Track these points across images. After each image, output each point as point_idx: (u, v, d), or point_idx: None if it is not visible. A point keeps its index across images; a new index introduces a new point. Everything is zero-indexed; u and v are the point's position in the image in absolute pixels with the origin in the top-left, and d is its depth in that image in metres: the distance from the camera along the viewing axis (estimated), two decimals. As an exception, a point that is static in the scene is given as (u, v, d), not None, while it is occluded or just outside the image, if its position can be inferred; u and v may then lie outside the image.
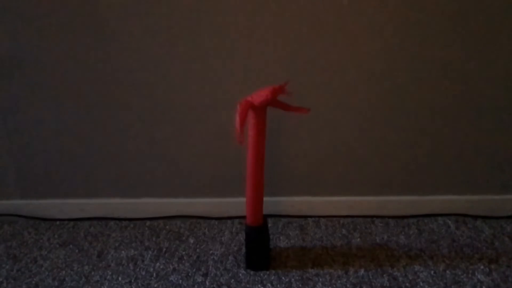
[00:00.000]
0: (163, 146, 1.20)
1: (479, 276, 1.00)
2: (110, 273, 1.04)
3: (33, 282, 1.02)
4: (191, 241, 1.16)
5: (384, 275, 1.01)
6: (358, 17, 1.06)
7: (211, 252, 1.11)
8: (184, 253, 1.11)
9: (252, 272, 1.03)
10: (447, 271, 1.01)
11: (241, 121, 0.90)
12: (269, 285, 0.99)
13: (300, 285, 0.98)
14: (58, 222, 1.27)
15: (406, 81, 1.11)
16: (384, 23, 1.06)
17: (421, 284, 0.98)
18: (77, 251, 1.13)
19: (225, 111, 1.15)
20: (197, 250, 1.12)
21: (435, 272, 1.01)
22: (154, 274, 1.03)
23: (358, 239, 1.15)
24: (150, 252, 1.12)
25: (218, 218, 1.26)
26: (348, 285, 0.98)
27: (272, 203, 1.20)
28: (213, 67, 1.11)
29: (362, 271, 1.02)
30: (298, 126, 1.17)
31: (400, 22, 1.06)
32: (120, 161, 1.22)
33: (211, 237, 1.18)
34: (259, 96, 0.90)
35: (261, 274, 1.02)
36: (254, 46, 1.09)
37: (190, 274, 1.03)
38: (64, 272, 1.05)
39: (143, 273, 1.04)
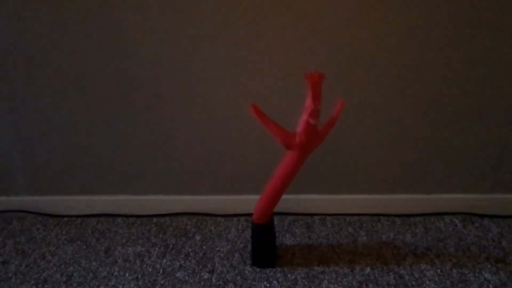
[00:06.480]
0: (170, 143, 1.20)
1: (486, 275, 0.99)
2: (117, 269, 1.05)
3: (42, 277, 1.03)
4: (198, 238, 1.17)
5: (390, 273, 1.00)
6: (362, 17, 1.05)
7: (217, 249, 1.12)
8: (190, 250, 1.12)
9: (258, 269, 1.03)
10: (454, 270, 1.01)
11: (317, 96, 0.86)
12: (275, 282, 0.99)
13: (306, 283, 0.98)
14: (66, 219, 1.28)
15: (412, 79, 1.11)
16: (387, 24, 1.05)
17: (428, 282, 0.97)
18: (84, 247, 1.14)
19: (231, 108, 1.15)
20: (204, 247, 1.13)
21: (441, 271, 1.01)
22: (161, 270, 1.04)
23: (364, 237, 1.15)
24: (156, 249, 1.12)
25: (225, 215, 1.27)
26: (354, 283, 0.98)
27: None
28: (217, 67, 1.11)
29: (368, 269, 1.02)
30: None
31: (404, 23, 1.05)
32: (127, 159, 1.23)
33: (218, 234, 1.18)
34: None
35: (267, 271, 1.02)
36: (261, 44, 1.09)
37: (196, 271, 1.03)
38: (72, 267, 1.06)
39: (150, 269, 1.05)
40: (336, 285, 0.97)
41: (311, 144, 0.93)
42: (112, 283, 1.00)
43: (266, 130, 0.92)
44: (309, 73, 0.87)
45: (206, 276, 1.02)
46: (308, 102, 0.88)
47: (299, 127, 0.91)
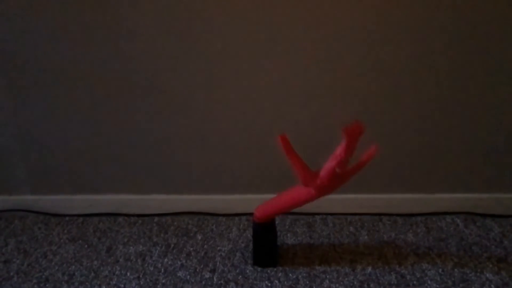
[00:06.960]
0: (171, 143, 1.20)
1: (487, 275, 0.99)
2: (118, 268, 1.05)
3: (43, 276, 1.03)
4: (199, 237, 1.17)
5: (392, 273, 1.00)
6: (364, 16, 1.05)
7: (218, 248, 1.12)
8: (192, 249, 1.12)
9: (259, 269, 1.03)
10: (455, 270, 1.01)
11: (352, 149, 0.80)
12: (276, 281, 0.99)
13: (307, 282, 0.98)
14: (67, 218, 1.28)
15: (412, 79, 1.10)
16: (389, 24, 1.05)
17: (429, 282, 0.97)
18: (86, 246, 1.14)
19: (232, 108, 1.15)
20: (205, 246, 1.13)
21: (443, 270, 1.01)
22: (162, 269, 1.04)
23: (366, 237, 1.15)
24: (158, 248, 1.12)
25: (226, 215, 1.27)
26: (355, 283, 0.98)
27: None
28: (219, 67, 1.11)
29: (369, 269, 1.02)
30: (305, 124, 1.16)
31: (406, 23, 1.05)
32: (128, 158, 1.23)
33: (219, 233, 1.18)
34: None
35: (268, 271, 1.02)
36: (270, 45, 1.08)
37: (197, 270, 1.04)
38: (73, 267, 1.06)
39: (151, 268, 1.05)
40: (337, 285, 0.97)
41: (331, 187, 0.89)
42: (114, 282, 1.00)
43: (288, 163, 0.87)
44: (349, 126, 0.81)
45: (207, 275, 1.02)
46: (339, 151, 0.83)
47: (323, 171, 0.86)
